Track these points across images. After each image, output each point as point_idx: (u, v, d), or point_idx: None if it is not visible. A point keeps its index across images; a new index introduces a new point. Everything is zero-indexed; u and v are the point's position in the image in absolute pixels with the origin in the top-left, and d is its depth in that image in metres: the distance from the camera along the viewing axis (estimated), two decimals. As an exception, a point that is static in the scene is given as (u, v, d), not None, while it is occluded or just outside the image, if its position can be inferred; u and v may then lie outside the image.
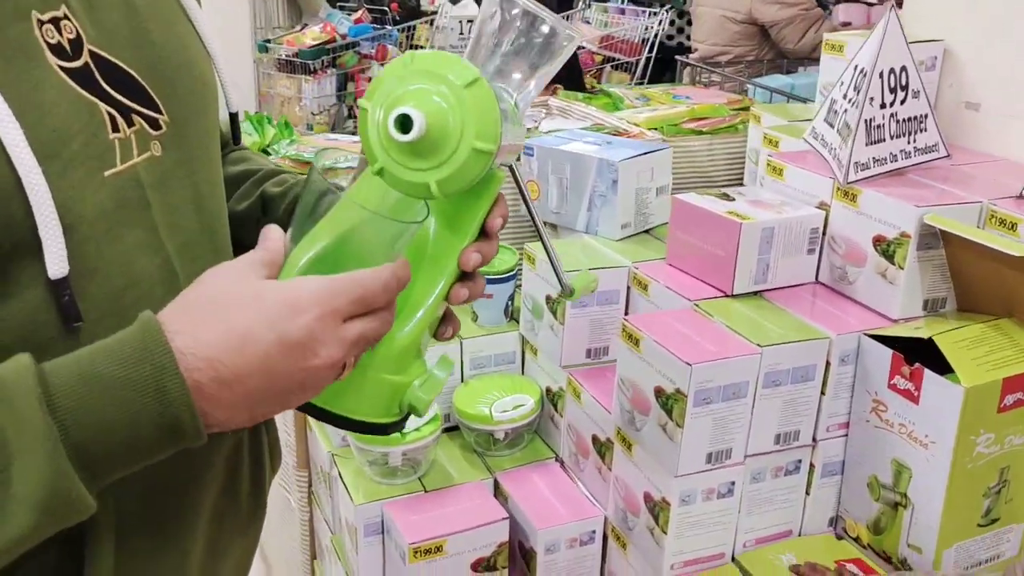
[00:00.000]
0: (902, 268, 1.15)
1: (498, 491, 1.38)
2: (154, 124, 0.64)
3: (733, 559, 1.20)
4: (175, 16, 0.69)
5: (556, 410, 1.44)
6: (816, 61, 2.82)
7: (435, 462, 1.40)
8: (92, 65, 0.59)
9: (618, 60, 3.86)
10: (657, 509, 1.15)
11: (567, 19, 4.63)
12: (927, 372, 1.05)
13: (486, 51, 0.66)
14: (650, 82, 2.73)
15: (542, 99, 2.15)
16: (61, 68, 0.57)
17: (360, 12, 4.20)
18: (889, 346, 1.11)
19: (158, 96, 0.65)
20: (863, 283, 1.21)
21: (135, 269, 0.62)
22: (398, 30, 4.32)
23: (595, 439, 1.32)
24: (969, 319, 1.13)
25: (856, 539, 1.21)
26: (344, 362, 0.59)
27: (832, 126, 1.30)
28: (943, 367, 1.05)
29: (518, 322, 1.51)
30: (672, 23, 4.09)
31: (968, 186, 1.22)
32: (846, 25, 2.97)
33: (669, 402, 1.10)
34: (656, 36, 3.72)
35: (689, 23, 3.96)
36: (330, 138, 2.74)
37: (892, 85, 1.22)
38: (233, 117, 0.77)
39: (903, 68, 1.23)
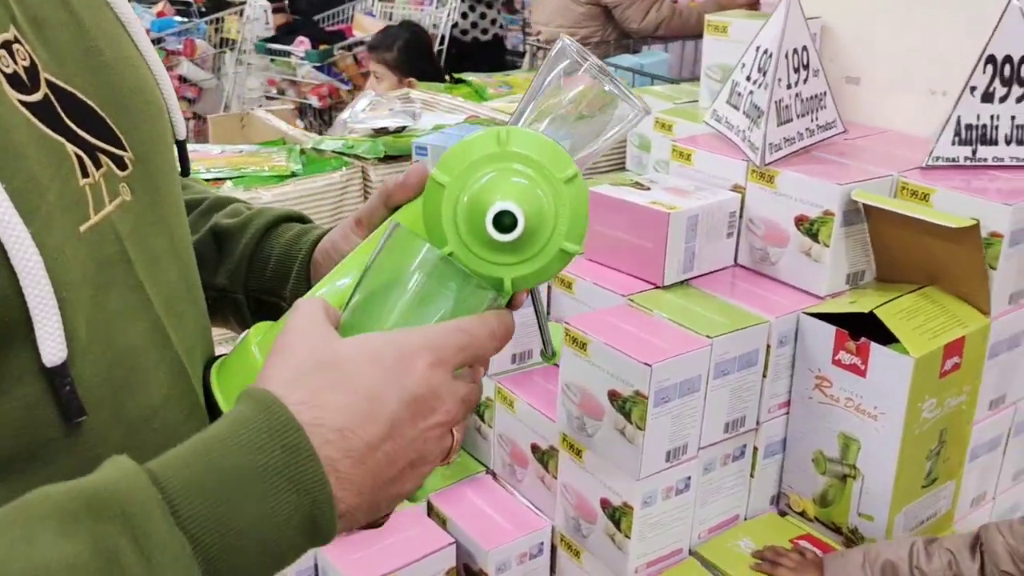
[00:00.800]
0: (827, 246, 1.17)
1: (432, 513, 1.30)
2: (120, 163, 0.52)
3: (691, 552, 1.19)
4: (116, 29, 0.56)
5: (483, 421, 1.37)
6: (659, 39, 2.89)
7: (361, 493, 1.30)
8: (52, 97, 0.46)
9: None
10: (618, 514, 1.12)
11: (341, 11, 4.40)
12: (874, 346, 1.07)
13: (553, 120, 0.57)
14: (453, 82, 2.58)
15: (402, 92, 2.06)
16: (21, 103, 0.44)
17: (162, 4, 3.88)
18: (829, 322, 1.13)
19: (120, 130, 0.52)
20: (786, 263, 1.23)
21: (125, 339, 0.50)
22: (205, 22, 4.04)
23: (535, 448, 1.26)
24: (894, 289, 1.16)
25: (801, 513, 1.23)
26: (455, 424, 0.51)
27: (737, 108, 1.30)
28: (881, 339, 1.08)
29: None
30: (464, 16, 3.86)
31: (871, 160, 1.26)
32: (675, 2, 3.05)
33: (627, 405, 1.07)
34: (448, 27, 3.52)
35: (483, 15, 3.84)
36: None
37: (796, 65, 1.24)
38: (181, 145, 0.65)
39: (804, 48, 1.25)
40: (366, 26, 4.02)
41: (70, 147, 0.47)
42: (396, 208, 0.62)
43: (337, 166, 1.49)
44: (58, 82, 0.48)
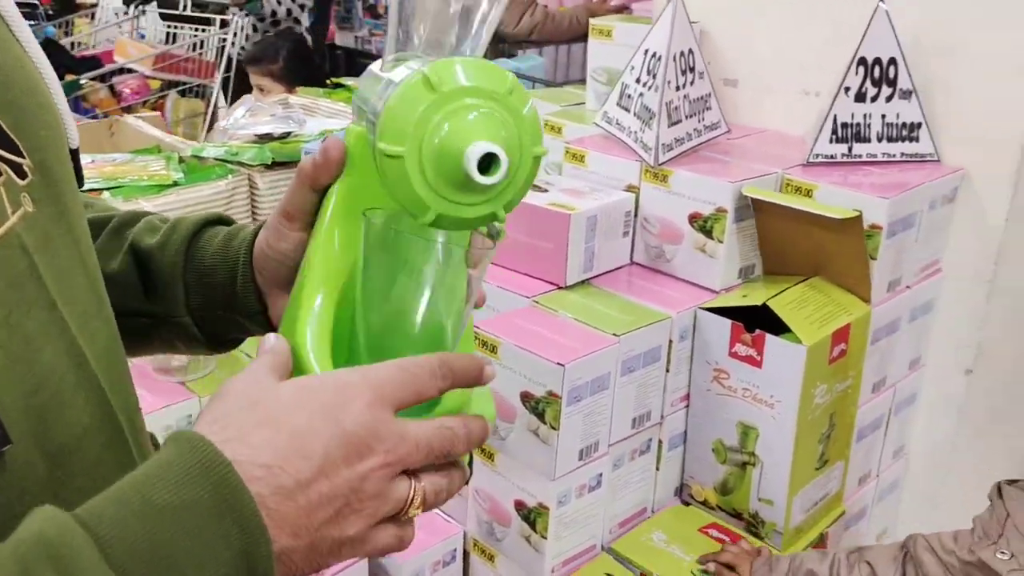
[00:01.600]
0: (721, 241, 1.21)
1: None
2: (19, 172, 0.47)
3: (604, 548, 1.20)
4: (2, 31, 0.52)
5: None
6: (534, 44, 2.92)
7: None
8: None
9: (187, 83, 3.17)
10: (533, 515, 1.12)
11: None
12: (769, 337, 1.12)
13: (439, 23, 0.55)
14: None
15: (281, 98, 2.00)
16: None
17: (3, 4, 3.61)
18: (725, 316, 1.17)
19: (16, 135, 0.48)
20: (681, 259, 1.26)
21: (42, 362, 0.46)
22: (53, 26, 3.80)
23: (443, 454, 1.25)
24: (783, 281, 1.22)
25: (703, 502, 1.27)
26: (404, 467, 0.48)
27: (628, 110, 1.33)
28: (773, 326, 1.13)
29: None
30: (247, 37, 3.47)
31: (755, 158, 1.31)
32: (545, 7, 3.09)
33: (540, 405, 1.07)
34: (233, 47, 3.06)
35: (265, 32, 3.48)
36: None
37: (683, 68, 1.28)
38: (75, 154, 0.60)
39: (690, 50, 1.29)
40: (130, 52, 3.40)
41: None
42: (324, 190, 0.58)
43: (222, 174, 1.43)
44: None
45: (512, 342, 1.09)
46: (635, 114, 1.31)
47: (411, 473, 0.49)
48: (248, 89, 2.44)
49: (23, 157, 0.49)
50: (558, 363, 1.04)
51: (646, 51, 1.30)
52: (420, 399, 0.50)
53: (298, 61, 2.36)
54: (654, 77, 1.26)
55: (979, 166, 1.27)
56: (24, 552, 0.39)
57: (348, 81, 2.15)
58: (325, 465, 0.46)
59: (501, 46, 2.78)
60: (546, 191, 1.29)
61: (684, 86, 1.28)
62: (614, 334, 1.11)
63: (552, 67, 2.73)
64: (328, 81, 2.10)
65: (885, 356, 1.29)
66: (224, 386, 0.49)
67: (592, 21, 1.52)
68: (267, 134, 1.55)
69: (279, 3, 3.47)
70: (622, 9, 2.57)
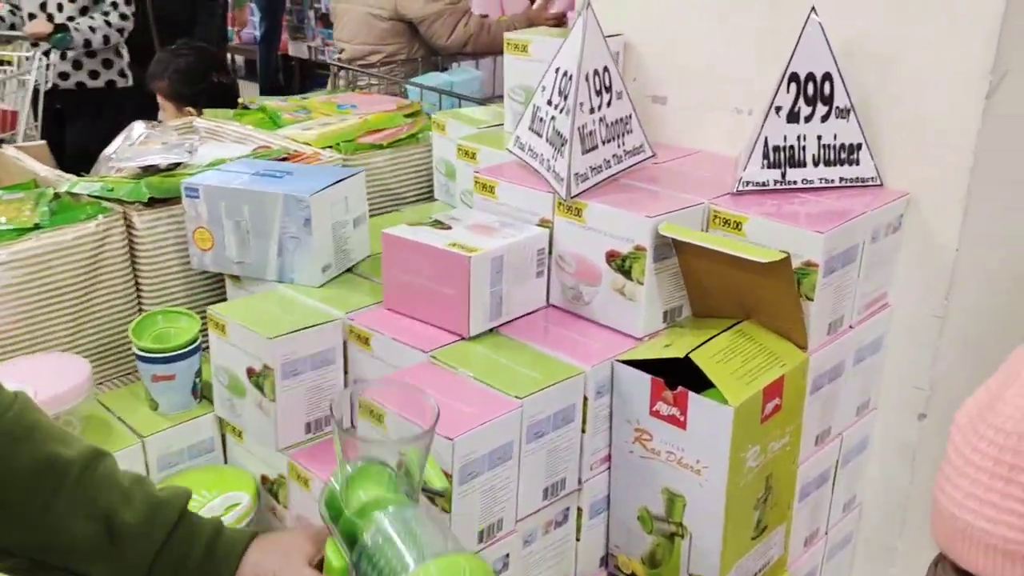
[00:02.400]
0: (641, 283, 1.08)
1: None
2: None
3: (517, 633, 1.06)
4: None
5: (278, 501, 1.20)
6: (469, 56, 2.79)
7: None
8: None
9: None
10: (430, 605, 0.98)
11: None
12: (692, 396, 0.99)
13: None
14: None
15: (184, 122, 1.84)
16: None
17: None
18: (643, 369, 1.04)
19: None
20: (600, 302, 1.13)
21: None
22: None
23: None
24: (711, 327, 1.09)
25: (631, 575, 1.13)
26: None
27: (540, 135, 1.19)
28: (698, 381, 1.00)
29: (212, 402, 1.24)
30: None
31: (681, 186, 1.18)
32: (484, 17, 2.96)
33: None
34: (46, 78, 2.90)
35: (77, 65, 3.24)
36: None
37: (598, 88, 1.15)
38: None
39: (605, 68, 1.16)
40: None
41: None
42: None
43: (92, 214, 1.27)
44: None
45: (396, 411, 0.95)
46: (547, 140, 1.17)
47: None
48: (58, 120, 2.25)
49: None
50: (447, 437, 0.90)
51: (557, 69, 1.16)
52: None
53: (191, 76, 2.18)
54: (565, 99, 1.13)
55: (926, 189, 1.15)
56: None
57: (266, 101, 2.00)
58: None
59: (434, 59, 2.64)
60: (449, 228, 1.15)
61: (599, 108, 1.15)
62: (517, 396, 0.97)
63: (491, 80, 2.59)
64: (240, 101, 1.95)
65: (828, 404, 1.16)
66: None
67: (507, 35, 1.39)
68: (152, 165, 1.40)
69: (93, 31, 3.23)
70: (562, 18, 2.45)
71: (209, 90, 2.18)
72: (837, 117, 1.14)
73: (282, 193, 1.21)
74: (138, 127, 1.58)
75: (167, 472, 1.22)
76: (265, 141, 1.67)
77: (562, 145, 1.12)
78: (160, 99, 2.18)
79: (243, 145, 1.67)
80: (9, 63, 3.18)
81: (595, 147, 1.15)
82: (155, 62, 2.19)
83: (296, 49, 6.25)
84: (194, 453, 1.24)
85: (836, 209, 1.11)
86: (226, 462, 1.27)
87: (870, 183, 1.16)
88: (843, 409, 1.19)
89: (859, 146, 1.15)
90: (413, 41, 2.65)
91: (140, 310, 1.35)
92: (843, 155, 1.15)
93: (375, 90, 2.30)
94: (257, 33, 6.57)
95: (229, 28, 7.35)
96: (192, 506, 1.15)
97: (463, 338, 1.10)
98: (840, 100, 1.14)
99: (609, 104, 1.16)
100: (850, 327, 1.15)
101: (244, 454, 1.23)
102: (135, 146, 1.53)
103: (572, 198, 1.11)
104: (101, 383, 1.35)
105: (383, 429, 0.96)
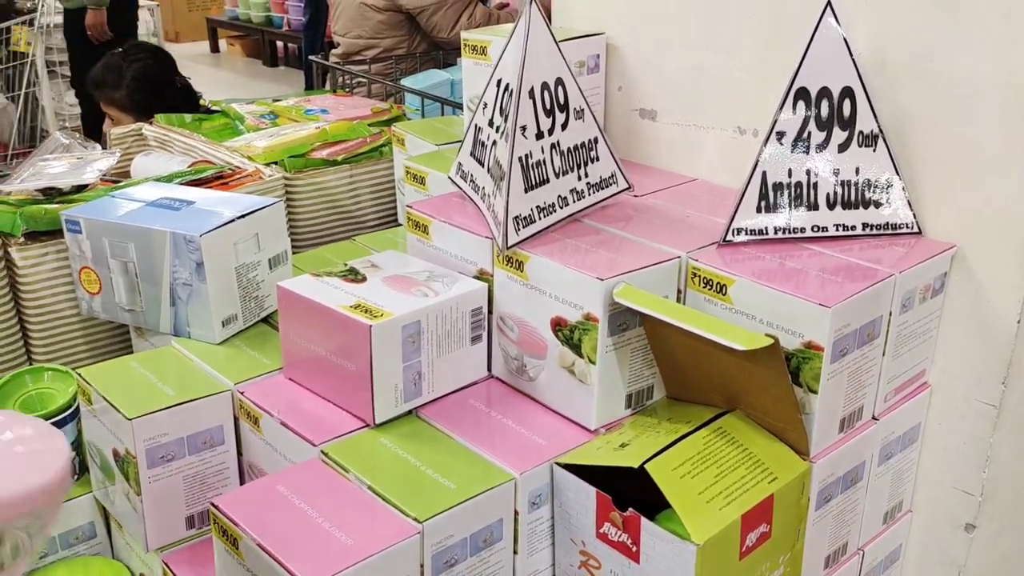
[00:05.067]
0: (593, 363, 0.83)
1: None
2: None
3: None
4: None
5: (159, 606, 0.99)
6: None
7: None
8: None
9: None
10: None
11: None
12: (645, 523, 0.74)
13: None
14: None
15: (133, 128, 1.65)
16: None
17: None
18: (593, 478, 0.79)
19: None
20: (547, 380, 0.89)
21: None
22: (-17, 34, 3.50)
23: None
24: (685, 419, 0.84)
25: None
26: None
27: (482, 163, 0.95)
28: (657, 502, 0.75)
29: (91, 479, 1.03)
30: None
31: (660, 230, 0.93)
32: (503, 7, 2.71)
33: (288, 638, 0.70)
34: None
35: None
36: None
37: (548, 106, 0.90)
38: None
39: (559, 81, 0.91)
40: None
41: None
42: None
43: (-37, 249, 1.08)
44: None
45: (256, 538, 0.72)
46: (488, 170, 0.93)
47: None
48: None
49: None
50: (308, 580, 0.68)
51: (499, 82, 0.92)
52: None
53: (149, 83, 1.95)
54: (507, 120, 0.89)
55: (978, 239, 0.88)
56: None
57: (233, 104, 1.79)
58: None
59: (435, 54, 2.40)
60: (363, 280, 0.92)
61: (551, 132, 0.90)
62: (416, 519, 0.74)
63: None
64: (202, 103, 1.75)
65: (843, 517, 0.90)
66: None
67: (464, 35, 1.14)
68: (51, 188, 1.20)
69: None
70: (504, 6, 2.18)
71: (174, 95, 1.97)
72: (860, 145, 0.88)
73: (169, 231, 1.00)
74: (56, 138, 1.38)
75: (43, 562, 1.01)
76: (207, 155, 1.46)
77: (501, 179, 0.88)
78: (110, 109, 1.97)
79: (178, 160, 1.47)
80: None
81: (544, 181, 0.90)
82: (108, 66, 1.97)
83: (341, 38, 6.07)
84: (69, 541, 1.03)
85: (855, 267, 0.84)
86: (112, 552, 1.06)
87: (904, 231, 0.90)
88: (865, 519, 0.93)
89: (889, 183, 0.89)
90: (413, 35, 2.42)
91: (30, 361, 1.16)
92: (868, 194, 0.89)
93: (364, 91, 2.07)
94: (303, 19, 6.41)
95: (274, 15, 7.22)
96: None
97: (368, 425, 0.87)
98: (865, 123, 0.87)
99: (565, 126, 0.92)
100: (873, 419, 0.89)
101: (125, 547, 1.03)
102: (47, 160, 1.33)
103: (510, 248, 0.87)
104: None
105: (238, 556, 0.74)
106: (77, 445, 1.04)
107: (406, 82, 2.01)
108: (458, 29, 2.33)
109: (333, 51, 2.47)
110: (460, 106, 1.85)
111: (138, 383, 0.94)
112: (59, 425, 1.01)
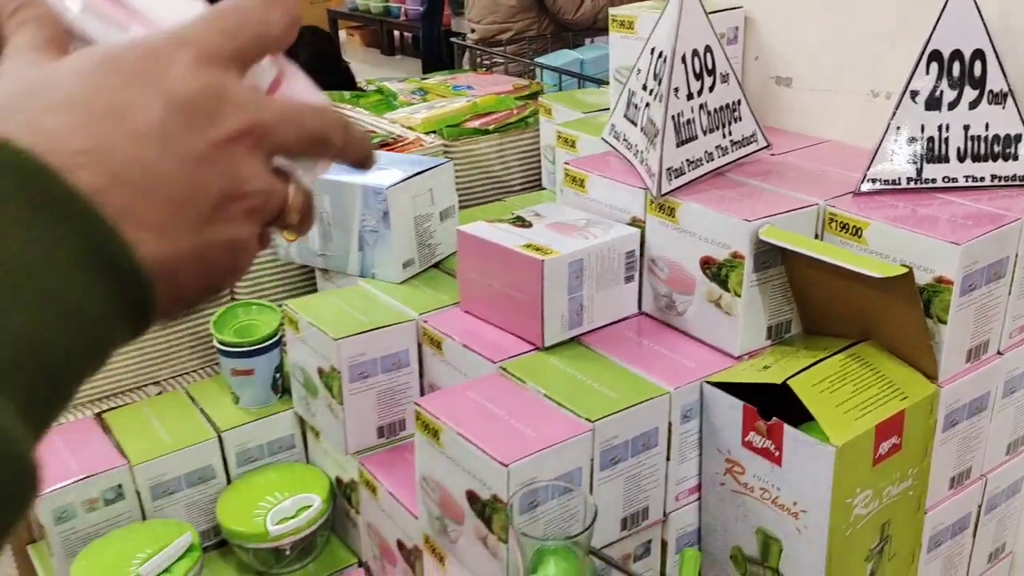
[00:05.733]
0: (739, 295, 0.94)
1: (291, 622, 1.08)
2: None
3: (586, 674, 0.97)
4: None
5: (351, 504, 1.15)
6: (601, 31, 2.65)
7: (203, 601, 1.09)
8: None
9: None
10: (486, 640, 0.90)
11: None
12: (787, 429, 0.85)
13: None
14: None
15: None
16: None
17: None
18: (737, 393, 0.91)
19: None
20: (695, 314, 1.00)
21: None
22: None
23: (400, 545, 1.05)
24: (821, 347, 0.94)
25: (724, 617, 1.01)
26: (262, 140, 0.38)
27: (635, 123, 1.07)
28: (803, 410, 0.86)
29: (292, 397, 1.21)
30: None
31: (798, 182, 1.03)
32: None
33: (487, 511, 0.85)
34: None
35: None
36: None
37: (697, 71, 1.01)
38: None
39: (707, 48, 1.02)
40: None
41: None
42: None
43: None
44: None
45: (456, 429, 0.87)
46: (641, 129, 1.05)
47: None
48: None
49: None
50: (501, 462, 0.82)
51: (652, 50, 1.04)
52: (262, 43, 0.41)
53: (320, 62, 2.14)
54: (660, 83, 1.00)
55: (1105, 190, 0.95)
56: None
57: (386, 83, 1.96)
58: (166, 141, 0.35)
59: (565, 35, 2.52)
60: (530, 226, 1.06)
61: (699, 93, 1.01)
62: (588, 419, 0.87)
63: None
64: (358, 84, 1.92)
65: (967, 443, 0.98)
66: None
67: (612, 11, 1.26)
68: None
69: None
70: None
71: (341, 74, 2.16)
72: (990, 103, 0.96)
73: (360, 184, 1.15)
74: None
75: (245, 467, 1.20)
76: (371, 126, 1.63)
77: (655, 136, 1.00)
78: None
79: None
80: None
81: (693, 138, 1.02)
82: None
83: (459, 24, 6.26)
84: (273, 449, 1.21)
85: (984, 213, 0.93)
86: (307, 459, 1.24)
87: (1030, 181, 0.97)
88: (988, 448, 1.01)
89: (1019, 137, 0.96)
90: (542, 17, 2.55)
91: (232, 299, 1.34)
92: (997, 148, 0.97)
93: (502, 71, 2.21)
94: (420, 8, 6.64)
95: (392, 5, 7.49)
96: (261, 507, 1.13)
97: (538, 348, 1.00)
98: (995, 83, 0.95)
99: (712, 89, 1.03)
100: (998, 353, 0.97)
101: (321, 454, 1.20)
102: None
103: (663, 196, 0.99)
104: (192, 372, 1.35)
105: (439, 446, 0.89)
106: (280, 368, 1.22)
107: (540, 61, 2.15)
108: (583, 11, 2.45)
109: (469, 36, 2.63)
110: (594, 80, 1.98)
111: (337, 312, 1.10)
112: (267, 350, 1.19)
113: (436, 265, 1.24)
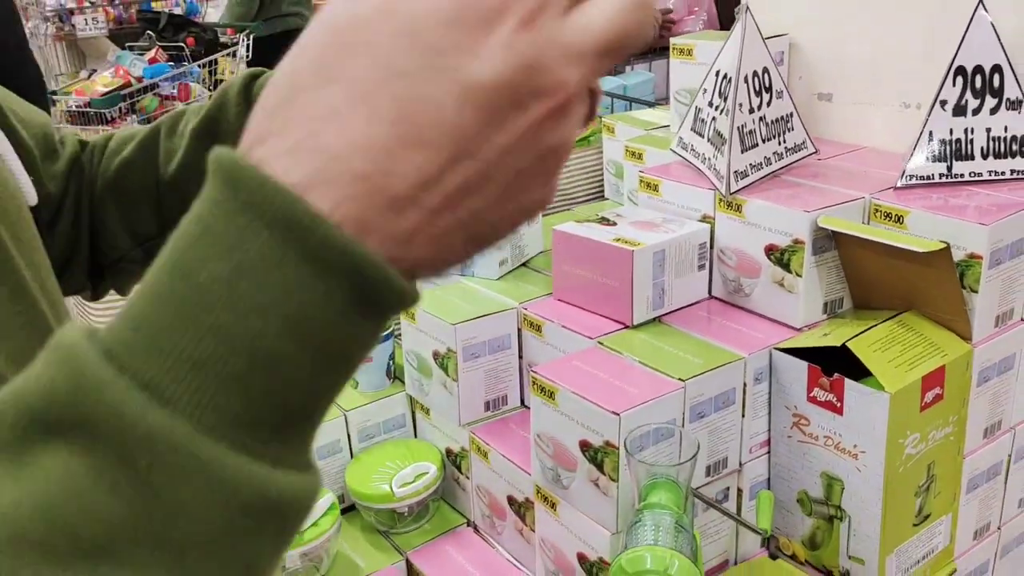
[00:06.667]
0: (800, 275, 1.12)
1: (412, 572, 1.26)
2: None
3: (678, 603, 1.13)
4: None
5: (460, 472, 1.33)
6: (641, 57, 2.85)
7: (338, 554, 1.26)
8: None
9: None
10: (595, 569, 1.07)
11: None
12: (848, 382, 1.02)
13: None
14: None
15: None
16: None
17: (154, 51, 3.89)
18: (801, 357, 1.08)
19: None
20: (760, 294, 1.18)
21: None
22: (199, 66, 4.05)
23: (511, 500, 1.22)
24: (871, 317, 1.11)
25: (792, 556, 1.18)
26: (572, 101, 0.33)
27: (701, 135, 1.26)
28: (858, 369, 1.03)
29: (403, 382, 1.39)
30: None
31: (843, 181, 1.21)
32: (666, 13, 3.00)
33: (599, 456, 1.02)
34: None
35: None
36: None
37: (757, 88, 1.20)
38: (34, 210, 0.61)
39: (764, 69, 1.20)
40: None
41: None
42: None
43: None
44: None
45: (568, 388, 1.04)
46: (708, 139, 1.23)
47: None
48: None
49: None
50: (613, 412, 0.99)
51: (717, 72, 1.22)
52: None
53: None
54: (725, 100, 1.19)
55: (1109, 180, 1.12)
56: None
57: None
58: (469, 150, 0.31)
59: (607, 63, 2.71)
60: (614, 224, 1.24)
61: (759, 108, 1.20)
62: (679, 379, 1.05)
63: (663, 82, 2.64)
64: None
65: (998, 398, 1.15)
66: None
67: (673, 40, 1.45)
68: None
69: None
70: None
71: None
72: (1008, 109, 1.13)
73: (465, 194, 1.34)
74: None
75: (366, 443, 1.37)
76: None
77: (722, 144, 1.18)
78: None
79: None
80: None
81: (755, 145, 1.20)
82: None
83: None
84: (388, 427, 1.39)
85: (1006, 201, 1.10)
86: (415, 435, 1.41)
87: (1045, 174, 1.14)
88: (1016, 403, 1.18)
89: (1032, 137, 1.14)
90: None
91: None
92: (1015, 147, 1.14)
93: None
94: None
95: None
96: (383, 474, 1.30)
97: (627, 326, 1.18)
98: (1011, 91, 1.13)
99: (769, 103, 1.21)
100: (1022, 320, 1.14)
101: (430, 429, 1.37)
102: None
103: (732, 194, 1.17)
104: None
105: (554, 404, 1.06)
106: (393, 356, 1.40)
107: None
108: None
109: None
110: (642, 103, 2.17)
111: (449, 304, 1.28)
112: (383, 340, 1.37)
113: (524, 264, 1.43)
